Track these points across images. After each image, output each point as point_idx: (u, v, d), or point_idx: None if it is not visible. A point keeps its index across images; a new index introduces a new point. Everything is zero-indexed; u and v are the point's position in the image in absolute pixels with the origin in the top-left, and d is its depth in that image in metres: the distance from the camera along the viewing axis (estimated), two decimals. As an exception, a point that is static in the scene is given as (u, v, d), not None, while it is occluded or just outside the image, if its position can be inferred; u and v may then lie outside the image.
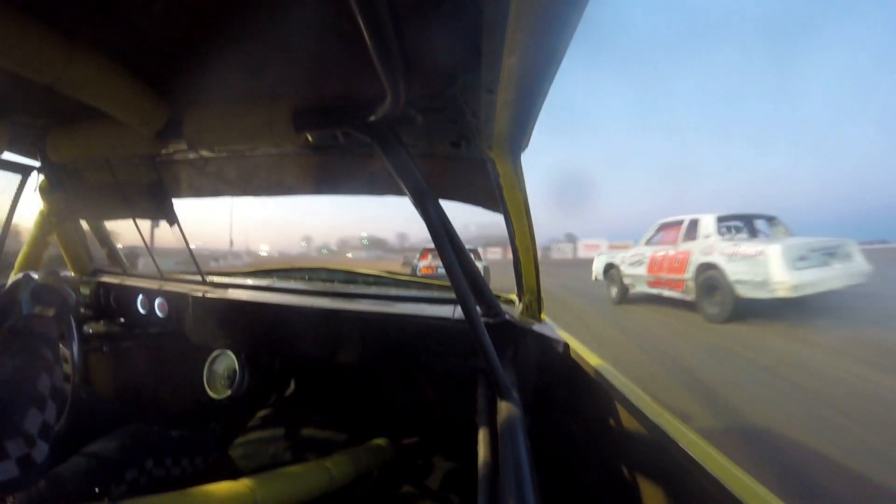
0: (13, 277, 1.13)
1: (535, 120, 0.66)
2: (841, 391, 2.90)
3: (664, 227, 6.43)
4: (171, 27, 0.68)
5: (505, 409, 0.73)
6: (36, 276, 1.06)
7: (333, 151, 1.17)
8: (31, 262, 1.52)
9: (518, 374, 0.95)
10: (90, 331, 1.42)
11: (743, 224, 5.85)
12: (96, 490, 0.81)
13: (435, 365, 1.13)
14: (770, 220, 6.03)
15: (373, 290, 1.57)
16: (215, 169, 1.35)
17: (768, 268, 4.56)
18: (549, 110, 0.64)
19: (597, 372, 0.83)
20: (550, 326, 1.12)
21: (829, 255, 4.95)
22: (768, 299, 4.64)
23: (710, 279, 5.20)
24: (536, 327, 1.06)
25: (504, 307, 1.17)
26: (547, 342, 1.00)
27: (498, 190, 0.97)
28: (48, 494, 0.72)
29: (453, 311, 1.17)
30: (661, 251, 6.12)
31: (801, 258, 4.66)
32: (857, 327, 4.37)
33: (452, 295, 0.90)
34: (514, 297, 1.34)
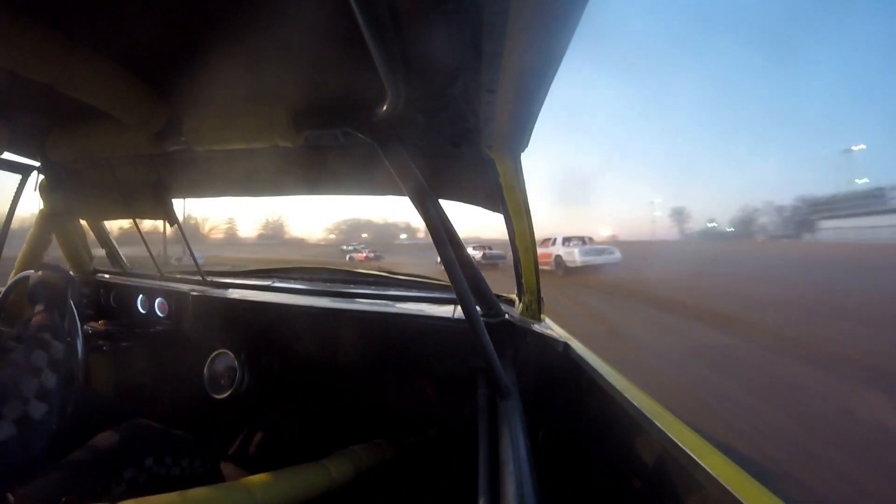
0: (13, 277, 1.12)
1: (535, 120, 0.66)
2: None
3: (544, 240, 14.36)
4: (171, 27, 0.68)
5: (505, 409, 0.73)
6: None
7: (333, 151, 1.17)
8: (31, 262, 1.52)
9: (518, 374, 0.95)
10: (90, 330, 1.42)
11: (572, 239, 14.20)
12: (97, 488, 0.81)
13: (435, 365, 1.13)
14: (584, 238, 14.42)
15: (373, 290, 1.56)
16: (215, 169, 1.34)
17: (574, 256, 13.24)
18: (549, 110, 0.64)
19: (597, 372, 0.83)
20: (550, 326, 1.12)
21: (599, 252, 13.86)
22: (574, 267, 13.14)
23: (558, 260, 13.74)
24: (536, 327, 1.06)
25: (504, 307, 1.17)
26: (547, 342, 1.00)
27: (498, 190, 0.97)
28: (48, 490, 0.72)
29: (453, 311, 1.17)
30: (542, 250, 13.63)
31: (587, 253, 13.37)
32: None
33: (452, 295, 0.90)
34: (514, 296, 1.34)
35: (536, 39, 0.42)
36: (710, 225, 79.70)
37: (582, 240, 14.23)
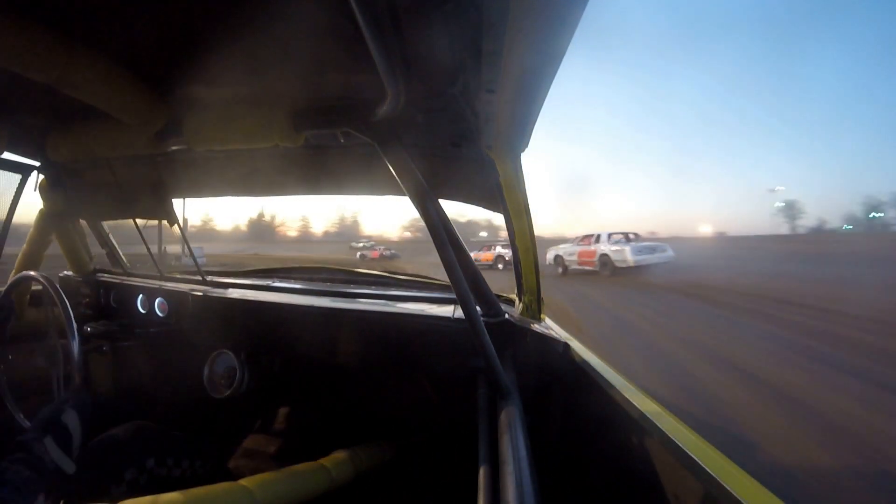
0: (13, 277, 1.13)
1: (535, 120, 0.66)
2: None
3: (584, 237, 13.54)
4: (171, 27, 0.68)
5: (505, 408, 0.73)
6: (34, 275, 1.05)
7: (333, 151, 1.17)
8: (31, 262, 1.52)
9: (518, 374, 0.95)
10: (90, 330, 1.42)
11: (618, 235, 12.93)
12: (97, 488, 0.81)
13: (435, 365, 1.13)
14: (628, 234, 13.07)
15: (373, 289, 1.56)
16: (215, 169, 1.34)
17: (625, 255, 11.76)
18: (549, 110, 0.64)
19: (597, 372, 0.83)
20: (550, 326, 1.12)
21: (652, 249, 12.48)
22: (624, 267, 11.78)
23: (604, 259, 12.41)
24: (536, 327, 1.06)
25: (504, 307, 1.17)
26: (547, 342, 1.00)
27: (498, 190, 0.97)
28: (50, 488, 0.72)
29: (453, 311, 1.17)
30: (583, 248, 13.28)
31: (639, 251, 11.89)
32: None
33: (452, 295, 0.90)
34: (514, 296, 1.34)
35: (536, 39, 0.42)
36: (873, 216, 68.27)
37: (626, 236, 12.77)
